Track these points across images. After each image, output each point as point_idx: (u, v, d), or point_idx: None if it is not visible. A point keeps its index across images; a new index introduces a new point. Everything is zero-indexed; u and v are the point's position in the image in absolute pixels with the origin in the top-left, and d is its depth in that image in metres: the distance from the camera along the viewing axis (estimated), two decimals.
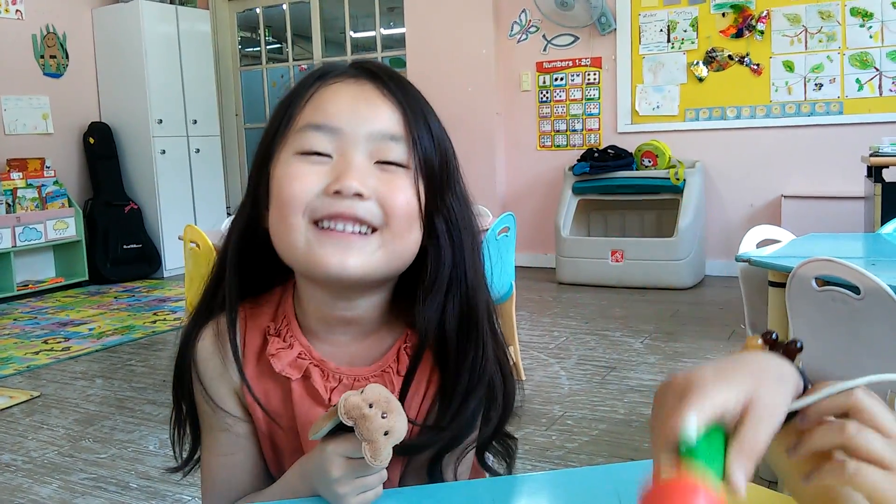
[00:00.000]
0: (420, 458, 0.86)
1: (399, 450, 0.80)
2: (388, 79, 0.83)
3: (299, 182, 0.78)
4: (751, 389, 0.55)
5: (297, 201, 0.78)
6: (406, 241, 0.81)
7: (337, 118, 0.79)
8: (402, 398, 0.84)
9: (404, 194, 0.79)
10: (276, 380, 0.87)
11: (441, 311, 0.84)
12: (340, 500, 0.76)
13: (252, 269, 0.88)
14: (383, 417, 0.73)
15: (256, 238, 0.86)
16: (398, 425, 0.74)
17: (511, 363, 0.91)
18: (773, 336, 0.64)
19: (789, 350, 0.63)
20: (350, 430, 0.74)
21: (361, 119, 0.79)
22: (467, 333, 0.85)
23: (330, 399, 0.85)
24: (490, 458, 0.94)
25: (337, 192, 0.77)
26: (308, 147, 0.80)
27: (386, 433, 0.73)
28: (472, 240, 0.87)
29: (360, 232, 0.78)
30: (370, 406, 0.73)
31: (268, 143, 0.84)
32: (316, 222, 0.78)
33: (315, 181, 0.78)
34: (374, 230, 0.79)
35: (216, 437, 0.89)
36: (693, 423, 0.52)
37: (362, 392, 0.74)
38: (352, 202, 0.77)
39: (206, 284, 0.90)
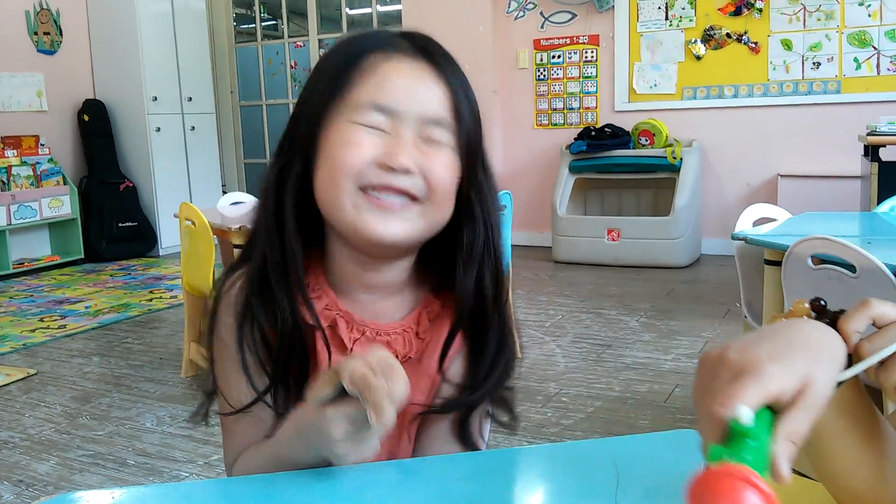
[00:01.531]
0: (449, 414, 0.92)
1: (438, 409, 0.90)
2: (442, 59, 0.88)
3: (354, 150, 0.84)
4: (806, 372, 0.54)
5: (349, 168, 0.84)
6: (443, 212, 0.87)
7: (396, 100, 0.84)
8: (440, 362, 0.92)
9: (446, 170, 0.86)
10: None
11: (478, 279, 0.90)
12: (341, 458, 0.78)
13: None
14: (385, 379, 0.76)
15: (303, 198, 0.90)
16: (402, 388, 0.75)
17: (512, 320, 0.97)
18: (822, 303, 0.63)
19: (837, 320, 0.61)
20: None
21: (418, 102, 0.85)
22: (498, 298, 0.92)
23: (352, 349, 0.91)
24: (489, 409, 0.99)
25: (389, 168, 0.83)
26: (366, 121, 0.85)
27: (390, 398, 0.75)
28: (497, 208, 0.93)
29: (401, 203, 0.85)
30: (373, 373, 0.75)
31: (319, 106, 0.88)
32: (363, 189, 0.84)
33: (368, 152, 0.84)
34: (414, 199, 0.85)
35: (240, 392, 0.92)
36: (747, 413, 0.51)
37: (364, 358, 0.76)
38: (401, 177, 0.83)
39: (246, 242, 0.94)
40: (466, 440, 0.92)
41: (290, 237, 0.88)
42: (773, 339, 0.57)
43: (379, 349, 0.78)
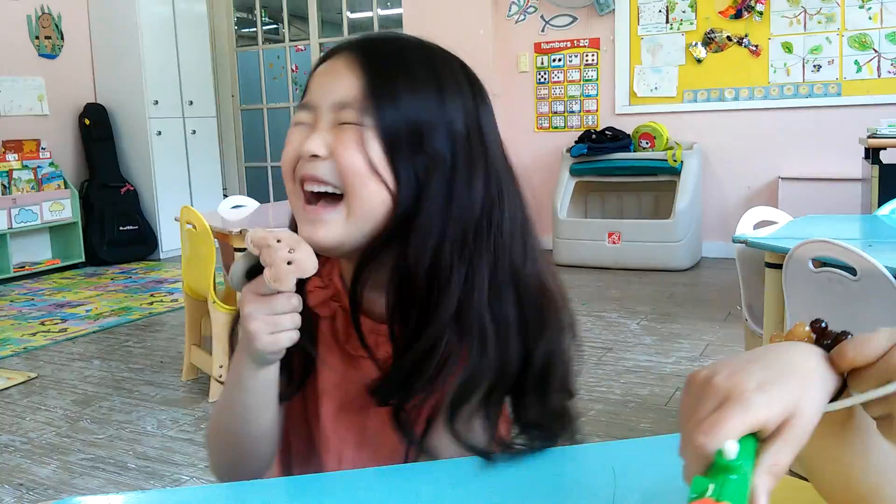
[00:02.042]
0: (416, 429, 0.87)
1: (375, 392, 0.87)
2: (361, 48, 0.87)
3: (286, 148, 0.87)
4: (794, 402, 0.52)
5: (286, 165, 0.87)
6: (367, 201, 0.83)
7: (313, 96, 0.87)
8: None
9: (351, 150, 0.83)
10: (311, 318, 0.92)
11: (401, 254, 0.85)
12: (254, 337, 0.80)
13: None
14: (290, 252, 0.78)
15: None
16: (304, 259, 0.78)
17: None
18: (823, 324, 0.60)
19: (839, 342, 0.59)
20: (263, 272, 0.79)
21: (327, 92, 0.85)
22: (433, 276, 0.84)
23: (347, 342, 0.92)
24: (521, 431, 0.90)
25: (304, 157, 0.85)
26: (296, 121, 0.88)
27: (290, 263, 0.77)
28: (450, 193, 0.85)
29: (326, 194, 0.84)
30: (278, 241, 0.78)
31: None
32: (302, 185, 0.86)
33: (295, 146, 0.86)
34: (336, 198, 0.84)
35: None
36: (733, 447, 0.50)
37: (271, 230, 0.80)
38: (313, 164, 0.84)
39: None
40: (459, 439, 0.86)
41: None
42: (762, 365, 0.55)
43: (288, 230, 0.82)
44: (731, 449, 0.49)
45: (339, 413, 0.93)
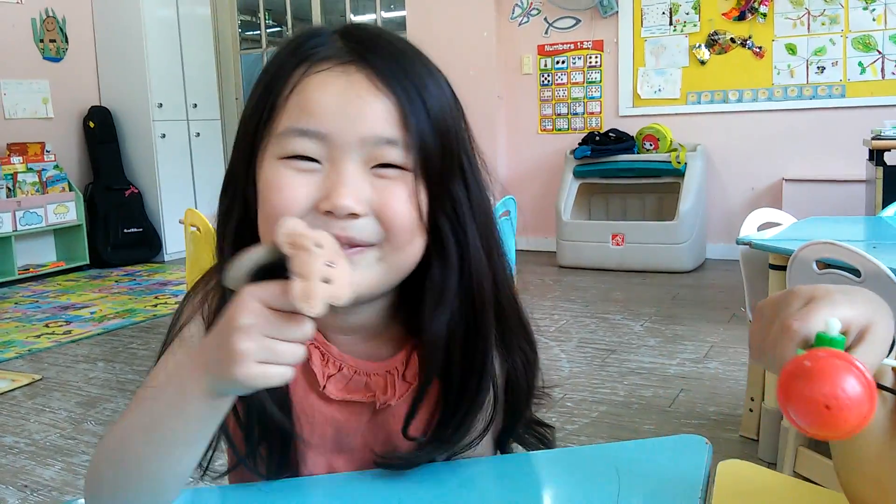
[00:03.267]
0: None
1: (397, 464, 0.77)
2: (383, 64, 0.71)
3: (285, 194, 0.68)
4: (870, 316, 0.56)
5: (283, 216, 0.65)
6: (408, 254, 0.72)
7: (324, 121, 0.68)
8: (413, 411, 0.78)
9: (404, 205, 0.69)
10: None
11: (449, 323, 0.76)
12: (236, 361, 0.58)
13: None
14: (328, 266, 0.59)
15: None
16: (342, 280, 0.59)
17: (531, 352, 0.85)
18: None
19: None
20: (279, 277, 0.59)
21: (352, 122, 0.68)
22: (475, 340, 0.77)
23: (324, 387, 0.78)
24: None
25: (328, 212, 0.67)
26: (292, 152, 0.69)
27: (326, 281, 0.58)
28: (483, 226, 0.77)
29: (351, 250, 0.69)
30: (317, 246, 0.60)
31: (250, 136, 0.73)
32: None
33: (304, 194, 0.68)
34: (371, 244, 0.70)
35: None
36: (836, 323, 0.53)
37: (311, 231, 0.61)
38: (345, 223, 0.67)
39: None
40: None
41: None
42: (836, 286, 0.59)
43: (329, 235, 0.62)
44: (836, 324, 0.53)
45: (324, 461, 0.83)
